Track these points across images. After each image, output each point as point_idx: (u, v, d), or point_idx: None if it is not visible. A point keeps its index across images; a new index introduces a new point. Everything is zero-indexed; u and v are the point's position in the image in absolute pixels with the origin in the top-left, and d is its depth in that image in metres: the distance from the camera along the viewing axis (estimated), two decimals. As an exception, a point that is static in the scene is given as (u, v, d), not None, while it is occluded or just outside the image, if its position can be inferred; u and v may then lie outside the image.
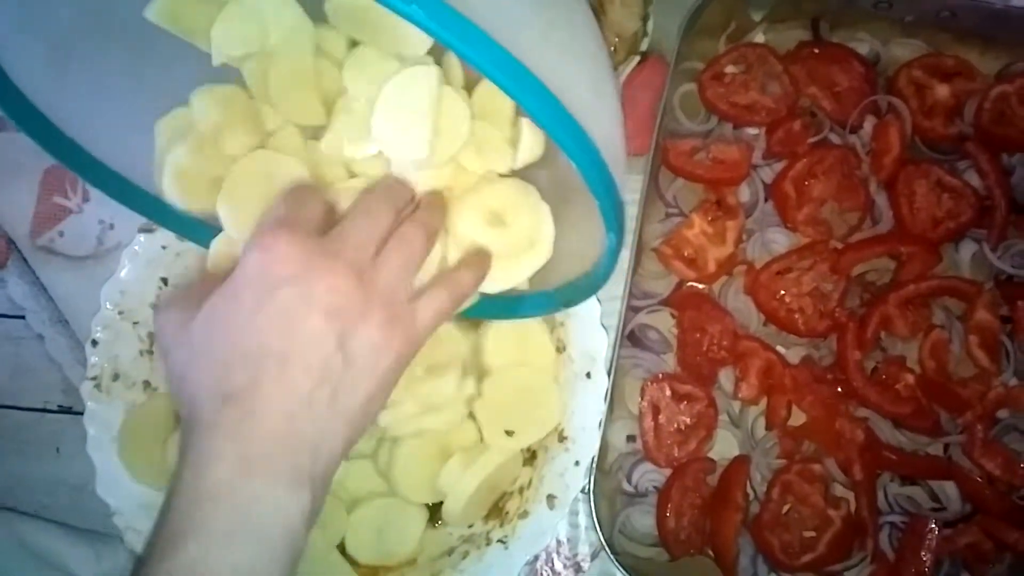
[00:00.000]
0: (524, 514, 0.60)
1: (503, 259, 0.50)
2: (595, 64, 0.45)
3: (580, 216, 0.47)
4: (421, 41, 0.47)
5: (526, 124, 0.49)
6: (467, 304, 0.51)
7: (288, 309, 0.40)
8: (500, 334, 0.59)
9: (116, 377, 0.62)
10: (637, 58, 0.67)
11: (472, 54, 0.34)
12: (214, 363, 0.40)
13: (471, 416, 0.59)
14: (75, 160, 0.53)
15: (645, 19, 0.67)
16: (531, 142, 0.49)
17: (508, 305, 0.55)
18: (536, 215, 0.50)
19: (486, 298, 0.52)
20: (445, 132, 0.47)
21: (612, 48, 0.66)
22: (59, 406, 0.68)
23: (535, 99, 0.36)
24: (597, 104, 0.42)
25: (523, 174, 0.51)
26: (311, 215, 0.44)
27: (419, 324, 0.44)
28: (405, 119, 0.46)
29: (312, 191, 0.46)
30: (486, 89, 0.49)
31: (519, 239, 0.50)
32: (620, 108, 0.46)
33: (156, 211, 0.56)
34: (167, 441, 0.59)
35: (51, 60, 0.49)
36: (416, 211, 0.47)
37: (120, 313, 0.62)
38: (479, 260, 0.48)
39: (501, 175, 0.50)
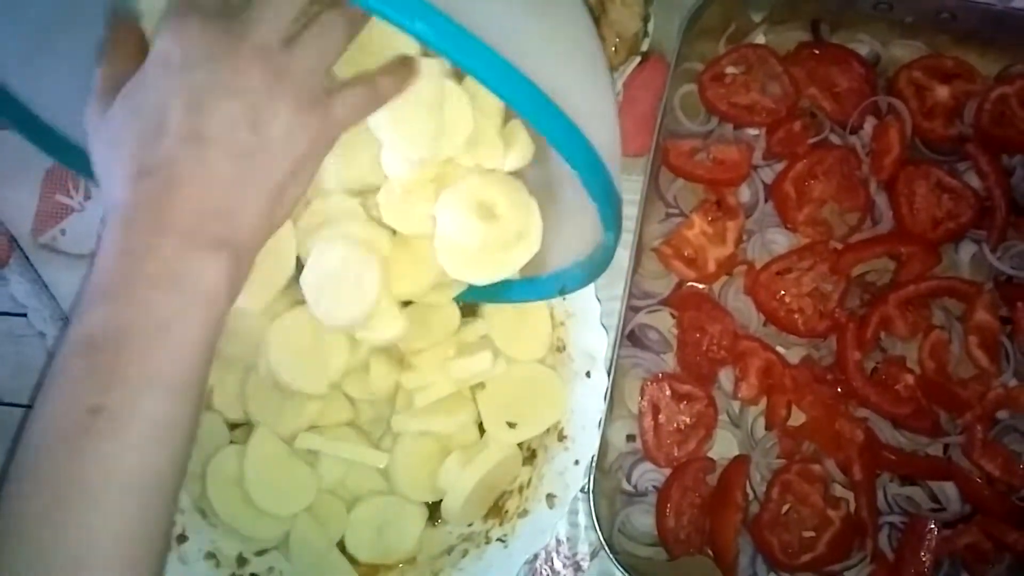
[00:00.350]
0: (524, 513, 0.60)
1: (493, 251, 0.51)
2: (591, 64, 0.45)
3: (573, 206, 0.47)
4: (406, 44, 0.47)
5: (518, 127, 0.50)
6: (459, 288, 0.52)
7: (197, 91, 0.40)
8: (503, 325, 0.60)
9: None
10: (638, 58, 0.67)
11: (466, 60, 0.34)
12: (131, 144, 0.41)
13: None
14: (70, 156, 0.53)
15: (646, 19, 0.67)
16: (524, 146, 0.49)
17: (500, 289, 0.55)
18: (525, 208, 0.50)
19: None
20: (448, 129, 0.47)
21: (613, 48, 0.66)
22: (60, 404, 0.68)
23: (533, 105, 0.36)
24: (593, 105, 0.42)
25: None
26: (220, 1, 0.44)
27: (335, 115, 0.44)
28: (409, 115, 0.46)
29: None
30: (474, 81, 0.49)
31: (509, 232, 0.50)
32: (615, 107, 0.46)
33: None
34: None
35: (28, 53, 0.49)
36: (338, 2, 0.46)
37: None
38: (403, 68, 0.47)
39: (489, 169, 0.51)
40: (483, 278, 0.52)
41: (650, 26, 0.67)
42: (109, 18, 0.46)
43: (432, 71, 0.46)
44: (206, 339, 0.40)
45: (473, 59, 0.34)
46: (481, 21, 0.35)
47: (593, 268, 0.51)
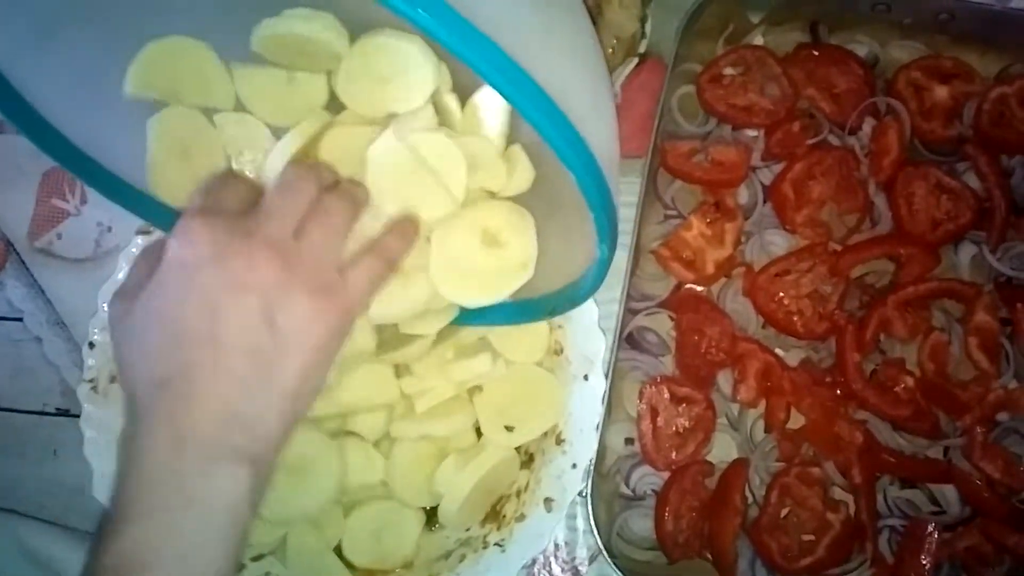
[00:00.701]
0: (521, 517, 0.60)
1: (492, 275, 0.50)
2: (593, 73, 0.45)
3: (565, 227, 0.47)
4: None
5: (519, 152, 0.49)
6: (449, 316, 0.52)
7: (210, 292, 0.41)
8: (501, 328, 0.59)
9: (113, 379, 0.62)
10: (635, 60, 0.67)
11: (480, 62, 0.34)
12: (148, 351, 0.41)
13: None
14: (69, 158, 0.53)
15: (643, 21, 0.67)
16: (525, 170, 0.49)
17: (487, 313, 0.54)
18: (528, 235, 0.50)
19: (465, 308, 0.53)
20: (444, 178, 0.47)
21: (610, 50, 0.66)
22: (57, 408, 0.68)
23: (537, 109, 0.36)
24: (595, 113, 0.42)
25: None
26: (231, 200, 0.44)
27: (352, 292, 0.44)
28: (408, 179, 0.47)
29: (233, 177, 0.47)
30: (476, 105, 0.49)
31: (513, 259, 0.50)
32: (615, 115, 0.46)
33: (149, 210, 0.56)
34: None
35: (35, 50, 0.49)
36: (340, 183, 0.47)
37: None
38: (406, 226, 0.48)
39: (493, 195, 0.51)
40: (477, 301, 0.51)
41: (648, 27, 0.67)
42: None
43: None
44: (231, 553, 0.40)
45: (475, 53, 0.34)
46: (482, 20, 0.34)
47: (586, 288, 0.50)
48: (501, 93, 0.35)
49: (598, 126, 0.41)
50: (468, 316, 0.55)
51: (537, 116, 0.36)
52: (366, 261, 0.45)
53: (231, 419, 0.40)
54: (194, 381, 0.40)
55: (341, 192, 0.45)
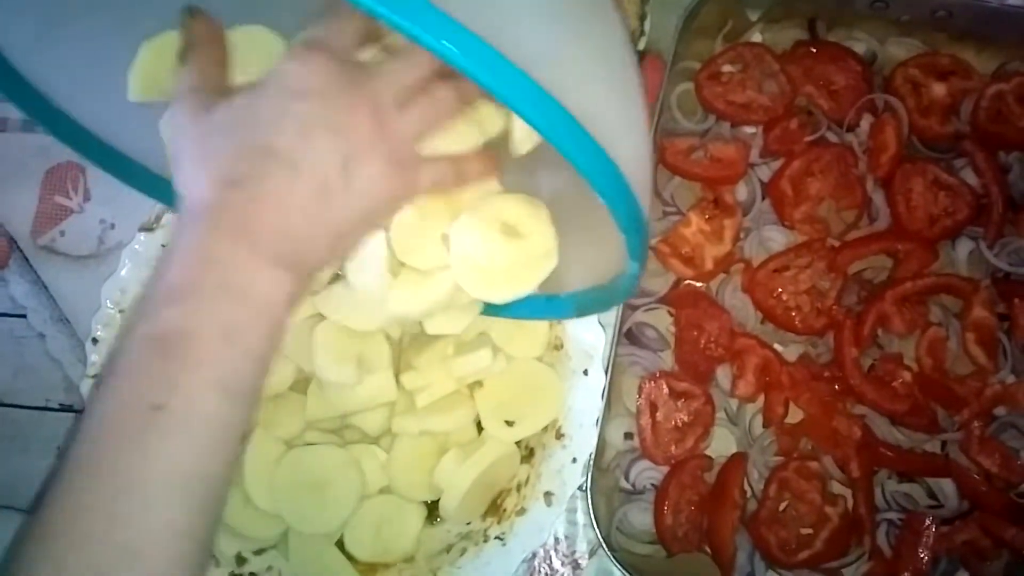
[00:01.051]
0: (522, 511, 0.60)
1: (515, 269, 0.50)
2: (626, 89, 0.43)
3: (598, 229, 0.46)
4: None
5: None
6: (474, 313, 0.53)
7: (306, 120, 0.42)
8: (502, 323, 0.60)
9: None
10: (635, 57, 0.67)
11: (495, 83, 0.33)
12: (227, 151, 0.42)
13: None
14: (76, 139, 0.54)
15: (642, 18, 0.67)
16: (525, 132, 0.50)
17: (516, 307, 0.54)
18: (546, 226, 0.51)
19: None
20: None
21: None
22: (60, 404, 0.69)
23: (568, 137, 0.35)
24: (627, 132, 0.42)
25: (531, 186, 0.51)
26: (348, 40, 0.45)
27: (418, 179, 0.46)
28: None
29: (351, 14, 0.47)
30: None
31: (535, 250, 0.50)
32: (649, 133, 0.46)
33: (158, 189, 0.56)
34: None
35: (41, 32, 0.49)
36: (455, 79, 0.47)
37: (121, 311, 0.63)
38: (488, 157, 0.49)
39: (506, 191, 0.51)
40: (504, 296, 0.51)
41: (647, 25, 0.67)
42: (185, 16, 0.47)
43: None
44: (267, 350, 0.42)
45: (501, 82, 0.33)
46: (511, 39, 0.33)
47: (615, 295, 0.50)
48: (526, 120, 0.34)
49: (630, 145, 0.41)
50: (494, 309, 0.55)
51: (566, 145, 0.35)
52: (442, 165, 0.47)
53: (288, 231, 0.42)
54: (264, 190, 0.41)
55: (454, 87, 0.46)
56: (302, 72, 0.43)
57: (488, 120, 0.49)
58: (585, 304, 0.53)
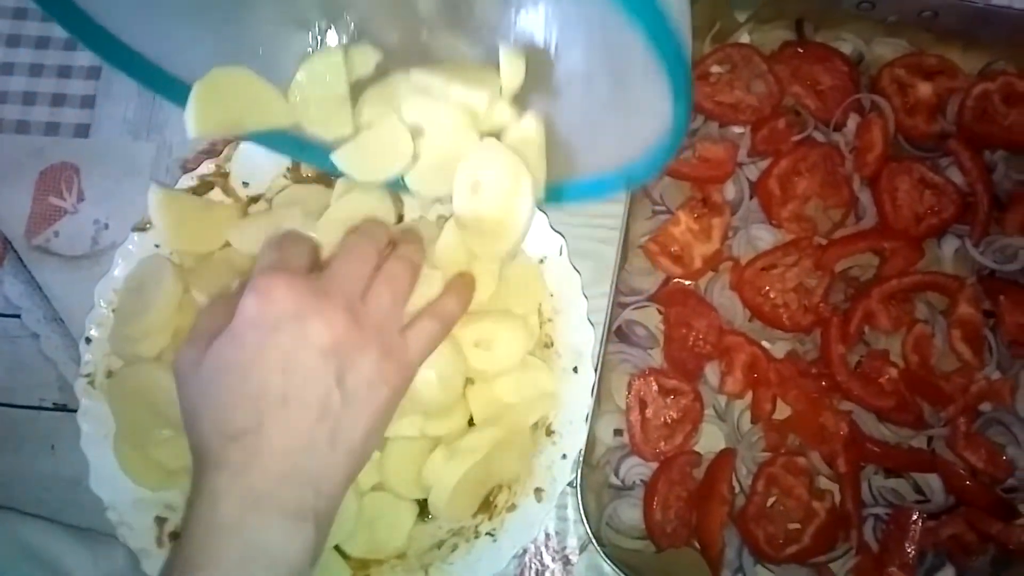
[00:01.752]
0: (512, 507, 0.60)
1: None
2: None
3: (635, 93, 0.46)
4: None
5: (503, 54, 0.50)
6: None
7: (287, 349, 0.42)
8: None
9: (110, 374, 0.63)
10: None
11: None
12: (220, 404, 0.43)
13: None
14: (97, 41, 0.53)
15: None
16: (513, 69, 0.50)
17: (564, 191, 0.55)
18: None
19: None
20: None
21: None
22: (54, 404, 0.69)
23: None
24: None
25: (566, 55, 0.51)
26: (301, 259, 0.47)
27: (411, 354, 0.46)
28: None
29: (300, 237, 0.49)
30: None
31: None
32: None
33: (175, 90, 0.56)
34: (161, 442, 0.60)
35: None
36: (397, 248, 0.49)
37: (114, 311, 0.63)
38: (463, 286, 0.51)
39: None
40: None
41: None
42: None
43: None
44: None
45: None
46: None
47: (660, 153, 0.49)
48: None
49: None
50: (552, 195, 0.55)
51: None
52: (424, 323, 0.48)
53: (300, 475, 0.41)
54: (266, 437, 0.41)
55: (400, 257, 0.48)
56: (270, 303, 0.43)
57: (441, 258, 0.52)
58: (631, 174, 0.52)
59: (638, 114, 0.48)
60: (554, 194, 0.55)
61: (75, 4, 0.51)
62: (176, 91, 0.55)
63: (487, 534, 0.60)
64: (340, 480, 0.43)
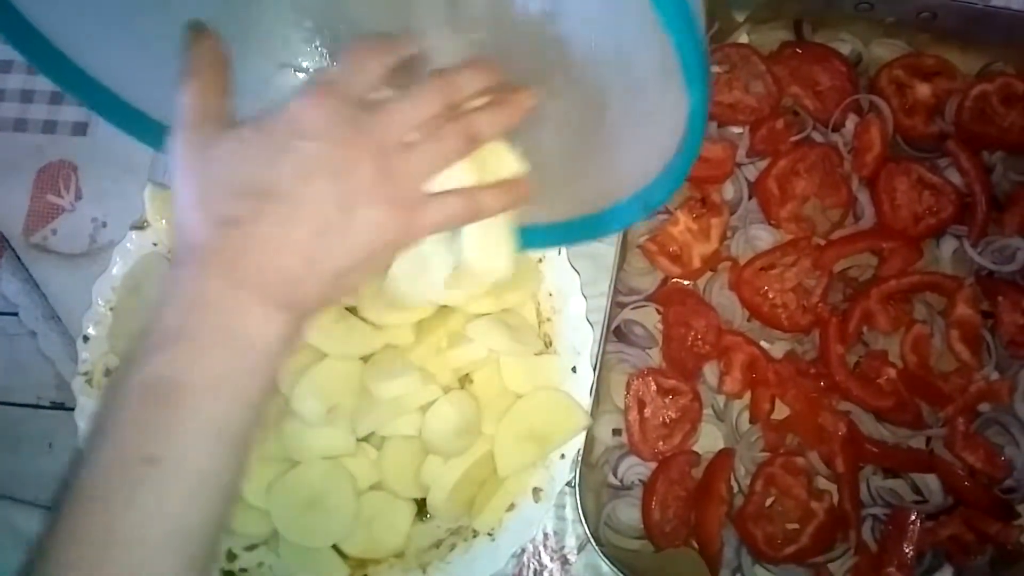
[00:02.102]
0: (510, 507, 0.60)
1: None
2: None
3: (644, 113, 0.46)
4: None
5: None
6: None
7: (306, 161, 0.42)
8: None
9: (108, 372, 0.63)
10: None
11: None
12: (224, 190, 0.42)
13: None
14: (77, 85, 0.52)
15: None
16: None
17: (581, 227, 0.54)
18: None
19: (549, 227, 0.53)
20: None
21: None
22: (52, 402, 0.69)
23: None
24: None
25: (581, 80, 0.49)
26: (364, 80, 0.45)
27: (423, 220, 0.45)
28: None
29: (375, 55, 0.46)
30: None
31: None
32: None
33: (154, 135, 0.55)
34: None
35: None
36: (474, 112, 0.47)
37: (111, 309, 0.63)
38: (511, 188, 0.48)
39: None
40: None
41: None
42: (187, 38, 0.46)
43: None
44: (260, 396, 0.41)
45: None
46: None
47: (676, 171, 0.48)
48: None
49: None
50: (563, 235, 0.55)
51: None
52: (451, 201, 0.46)
53: (284, 272, 0.41)
54: (260, 230, 0.41)
55: (463, 124, 0.46)
56: (309, 114, 0.42)
57: (495, 159, 0.48)
58: (647, 198, 0.51)
59: (650, 129, 0.47)
60: (567, 232, 0.55)
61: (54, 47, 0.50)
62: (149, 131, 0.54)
63: (486, 534, 0.60)
64: (317, 292, 0.43)
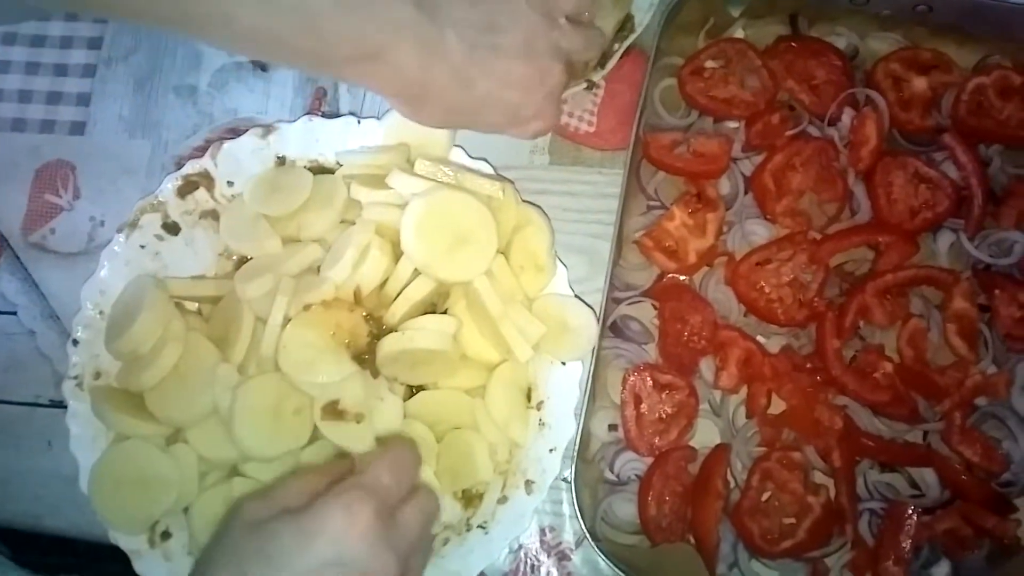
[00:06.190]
0: (503, 499, 0.61)
1: None
2: None
3: None
4: None
5: None
6: None
7: (332, 564, 0.47)
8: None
9: (98, 376, 0.63)
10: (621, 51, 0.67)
11: None
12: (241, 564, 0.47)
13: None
14: None
15: (629, 18, 0.67)
16: None
17: None
18: None
19: None
20: None
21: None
22: (50, 400, 0.69)
23: None
24: None
25: None
26: (397, 491, 0.51)
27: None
28: None
29: (413, 465, 0.54)
30: None
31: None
32: None
33: None
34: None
35: None
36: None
37: (100, 313, 0.63)
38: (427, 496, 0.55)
39: None
40: None
41: (636, 23, 0.67)
42: None
43: None
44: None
45: None
46: None
47: None
48: None
49: None
50: None
51: None
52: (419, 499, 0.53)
53: None
54: None
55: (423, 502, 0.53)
56: (350, 529, 0.47)
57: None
58: None
59: None
60: None
61: None
62: None
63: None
64: None
